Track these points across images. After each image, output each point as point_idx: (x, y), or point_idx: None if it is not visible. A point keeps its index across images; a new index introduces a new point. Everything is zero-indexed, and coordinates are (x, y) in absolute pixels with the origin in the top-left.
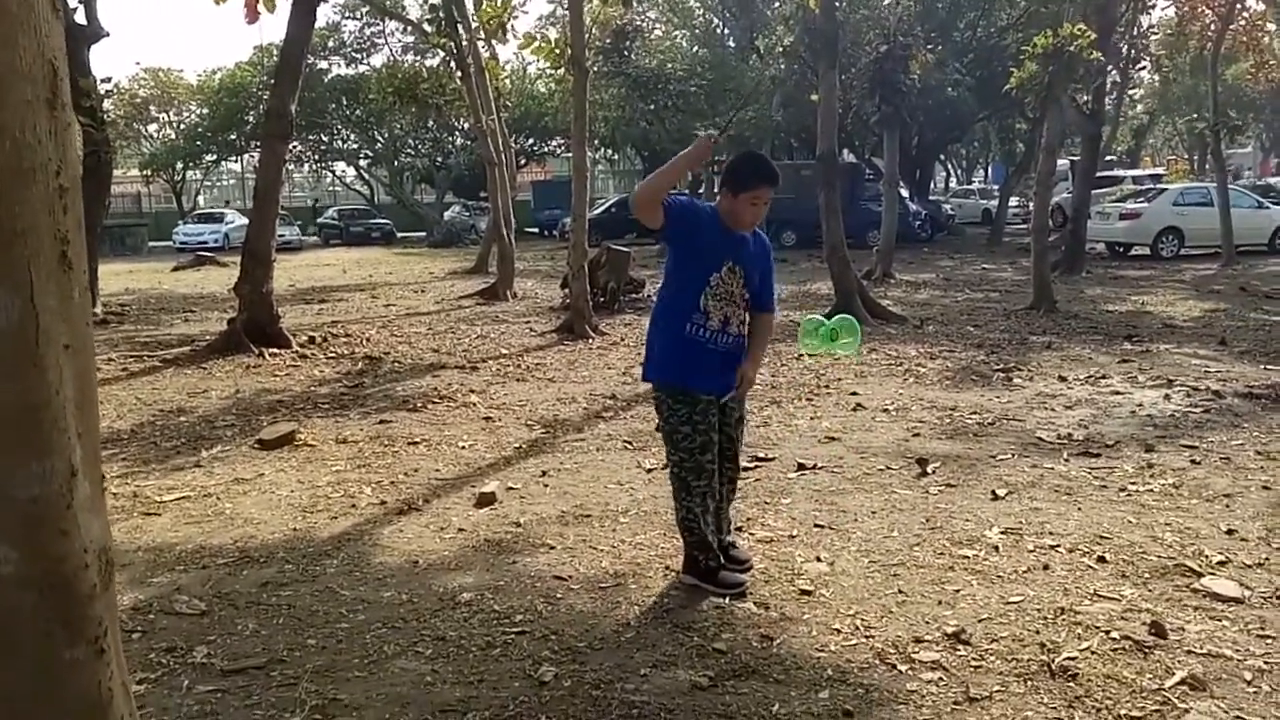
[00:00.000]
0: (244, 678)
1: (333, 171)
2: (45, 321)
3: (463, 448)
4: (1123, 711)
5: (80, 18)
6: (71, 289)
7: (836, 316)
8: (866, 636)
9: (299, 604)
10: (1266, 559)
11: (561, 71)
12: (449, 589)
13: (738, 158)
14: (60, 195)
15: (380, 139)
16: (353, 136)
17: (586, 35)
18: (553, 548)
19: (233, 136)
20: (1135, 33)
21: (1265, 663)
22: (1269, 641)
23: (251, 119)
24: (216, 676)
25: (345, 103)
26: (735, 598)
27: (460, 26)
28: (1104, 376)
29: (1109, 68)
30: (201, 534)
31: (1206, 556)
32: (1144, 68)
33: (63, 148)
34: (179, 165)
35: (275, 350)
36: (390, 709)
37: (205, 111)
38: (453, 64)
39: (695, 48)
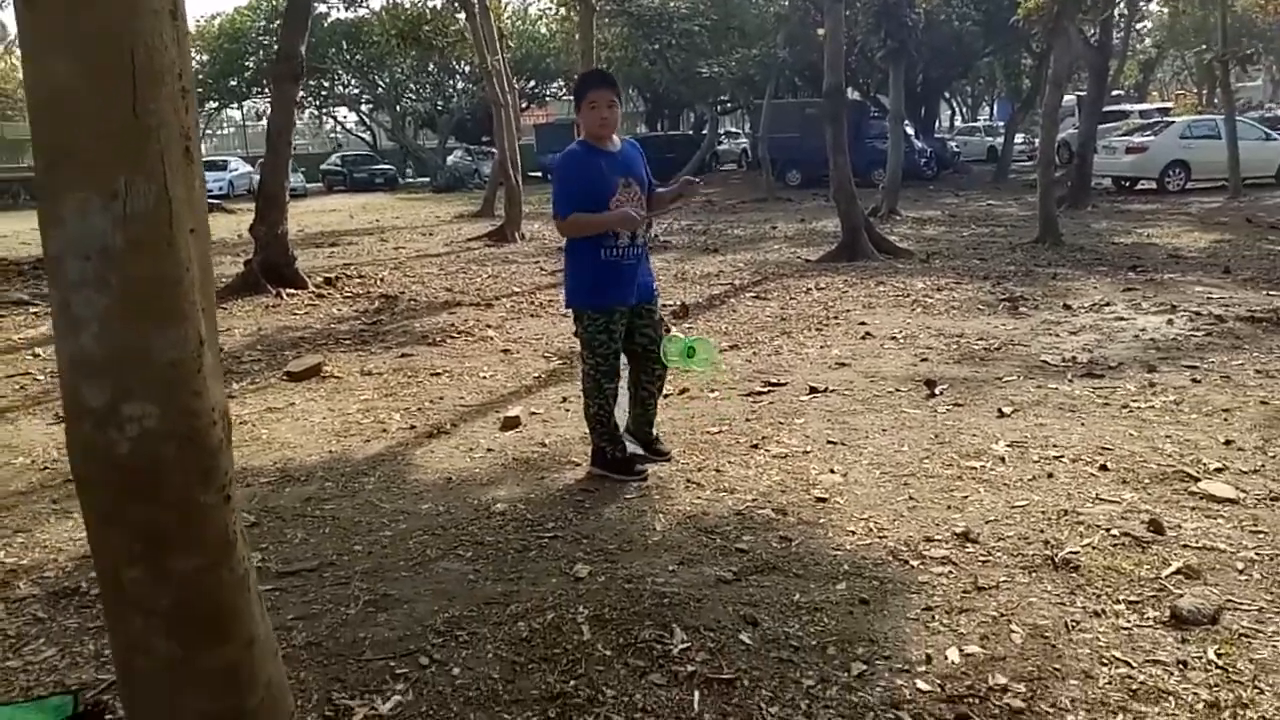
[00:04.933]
0: (298, 579)
1: (334, 117)
2: (176, 206)
3: (484, 378)
4: (1121, 597)
5: None
6: (194, 179)
7: (695, 338)
8: (880, 537)
9: (342, 516)
10: (1262, 465)
11: (564, 10)
12: (483, 501)
13: (578, 78)
14: (183, 95)
15: (381, 84)
16: (354, 81)
17: None
18: (578, 464)
19: (234, 83)
20: None
21: (1256, 554)
22: (1261, 536)
23: (252, 65)
24: (273, 578)
25: (346, 47)
26: (639, 482)
27: None
28: (1108, 304)
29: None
30: (242, 457)
31: (1204, 464)
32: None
33: (183, 53)
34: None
35: (292, 290)
36: (438, 602)
37: (205, 58)
38: (456, 4)
39: None
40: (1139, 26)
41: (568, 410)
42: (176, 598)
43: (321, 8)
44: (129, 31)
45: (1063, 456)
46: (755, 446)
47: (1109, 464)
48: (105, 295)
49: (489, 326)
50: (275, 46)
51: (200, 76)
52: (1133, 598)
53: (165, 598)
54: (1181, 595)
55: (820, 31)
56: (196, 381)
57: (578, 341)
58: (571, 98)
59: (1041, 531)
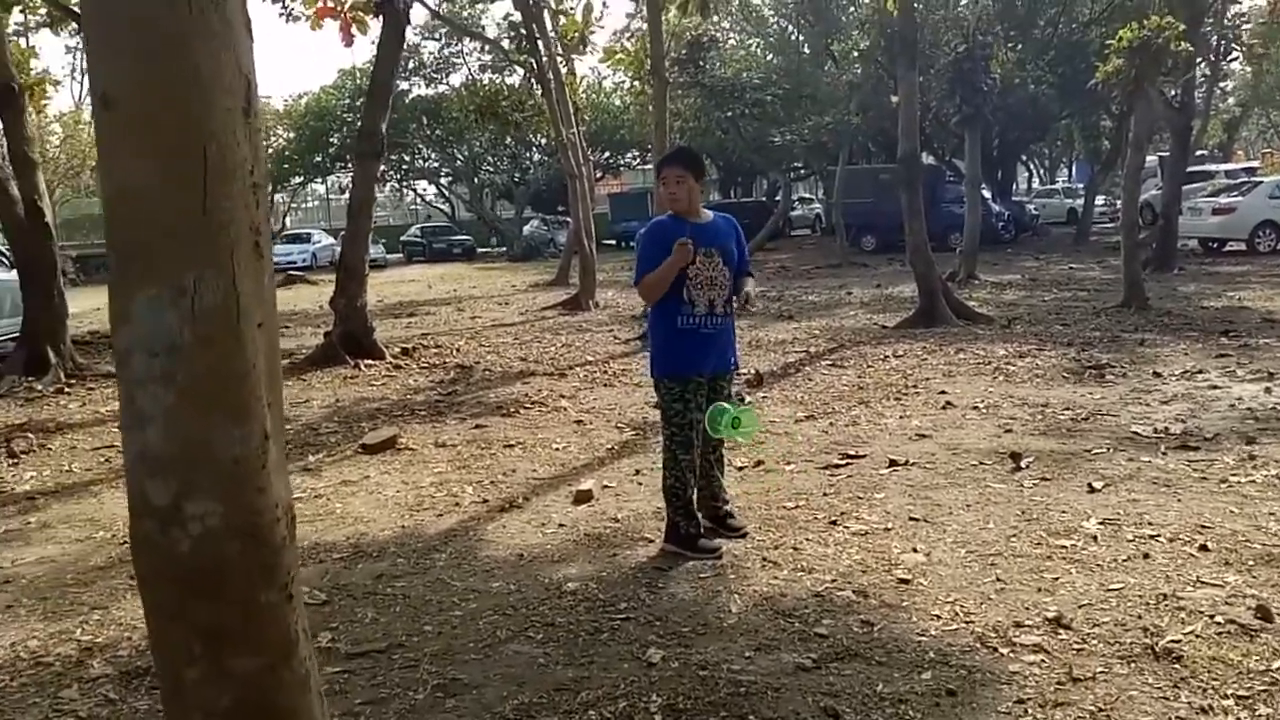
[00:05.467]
0: (368, 660)
1: (414, 189)
2: (244, 302)
3: (557, 449)
4: (1230, 691)
5: None
6: (263, 274)
7: (742, 408)
8: (966, 622)
9: (413, 594)
10: None
11: (639, 84)
12: (554, 579)
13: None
14: (254, 191)
15: (460, 157)
16: (433, 155)
17: (664, 46)
18: (651, 541)
19: (318, 159)
20: (1225, 22)
21: None
22: None
23: (336, 141)
24: (342, 659)
25: (426, 122)
26: (714, 560)
27: (540, 42)
28: (1200, 371)
29: (1198, 60)
30: (315, 532)
31: None
32: (1235, 59)
33: (254, 149)
34: (268, 188)
35: (370, 361)
36: (508, 687)
37: (291, 136)
38: (533, 80)
39: (770, 56)
40: (1221, 85)
41: (640, 484)
42: (236, 698)
43: (403, 85)
44: (202, 129)
45: (1159, 535)
46: (834, 523)
47: (1209, 544)
48: (171, 391)
49: (562, 397)
50: (358, 124)
51: (286, 153)
52: (1242, 692)
53: (225, 698)
54: None
55: (894, 98)
56: (261, 478)
57: (651, 412)
58: (645, 167)
59: (1139, 617)
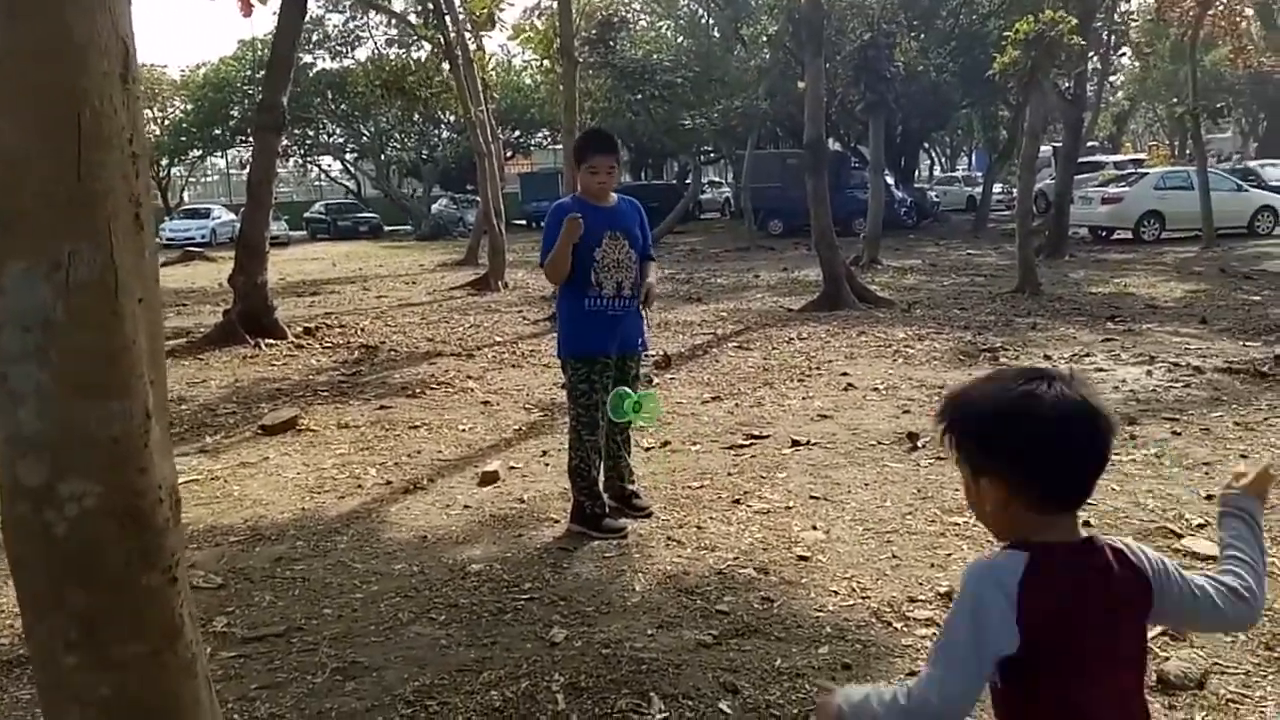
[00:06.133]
0: (264, 644)
1: (319, 166)
2: (123, 276)
3: (463, 430)
4: None
5: None
6: (143, 248)
7: (643, 393)
8: (863, 597)
9: (313, 577)
10: None
11: (548, 63)
12: (458, 561)
13: (580, 135)
14: (133, 161)
15: (366, 133)
16: (338, 130)
17: (574, 25)
18: (557, 521)
19: (217, 132)
20: (1115, 19)
21: None
22: None
23: (236, 114)
24: (238, 644)
25: (331, 96)
26: (618, 540)
27: (448, 18)
28: (1088, 354)
29: (1090, 54)
30: (212, 514)
31: (1187, 520)
32: (1124, 54)
33: (133, 118)
34: (164, 161)
35: (271, 341)
36: (409, 669)
37: (190, 107)
38: (440, 56)
39: (680, 38)
40: (1111, 79)
41: (547, 465)
42: (117, 686)
43: (306, 58)
44: (76, 93)
45: None
46: (737, 502)
47: (1092, 519)
48: (45, 369)
49: (470, 377)
50: (259, 96)
51: (184, 125)
52: None
53: (104, 686)
54: (1168, 659)
55: (801, 84)
56: (142, 458)
57: (559, 393)
58: (555, 146)
59: None
